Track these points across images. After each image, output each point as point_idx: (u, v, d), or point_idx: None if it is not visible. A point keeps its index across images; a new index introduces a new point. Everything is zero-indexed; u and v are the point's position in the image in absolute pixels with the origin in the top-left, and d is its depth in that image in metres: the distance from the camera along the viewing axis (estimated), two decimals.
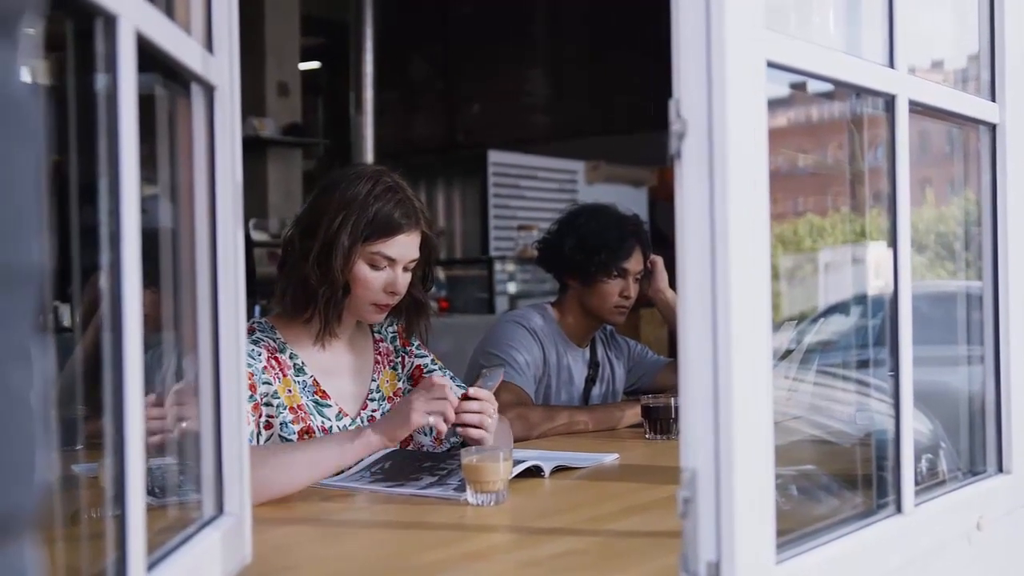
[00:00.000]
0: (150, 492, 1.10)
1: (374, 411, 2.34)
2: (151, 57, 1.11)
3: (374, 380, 2.38)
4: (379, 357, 2.41)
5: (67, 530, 1.17)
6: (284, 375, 2.22)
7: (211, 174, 1.36)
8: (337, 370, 2.32)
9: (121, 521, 1.00)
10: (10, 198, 0.55)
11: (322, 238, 2.19)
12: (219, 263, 1.36)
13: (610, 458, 2.37)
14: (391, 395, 2.39)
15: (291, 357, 2.26)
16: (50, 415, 0.60)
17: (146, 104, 1.07)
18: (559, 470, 2.20)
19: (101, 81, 1.01)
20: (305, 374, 2.26)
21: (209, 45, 1.36)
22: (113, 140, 1.00)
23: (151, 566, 1.08)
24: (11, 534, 0.57)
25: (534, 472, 2.13)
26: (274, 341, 2.25)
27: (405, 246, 2.25)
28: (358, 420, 2.30)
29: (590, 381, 3.14)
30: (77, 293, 1.15)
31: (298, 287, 2.24)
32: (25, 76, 0.59)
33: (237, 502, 1.39)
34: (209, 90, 1.35)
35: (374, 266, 2.23)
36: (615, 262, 3.00)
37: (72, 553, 1.14)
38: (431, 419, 2.03)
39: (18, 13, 0.58)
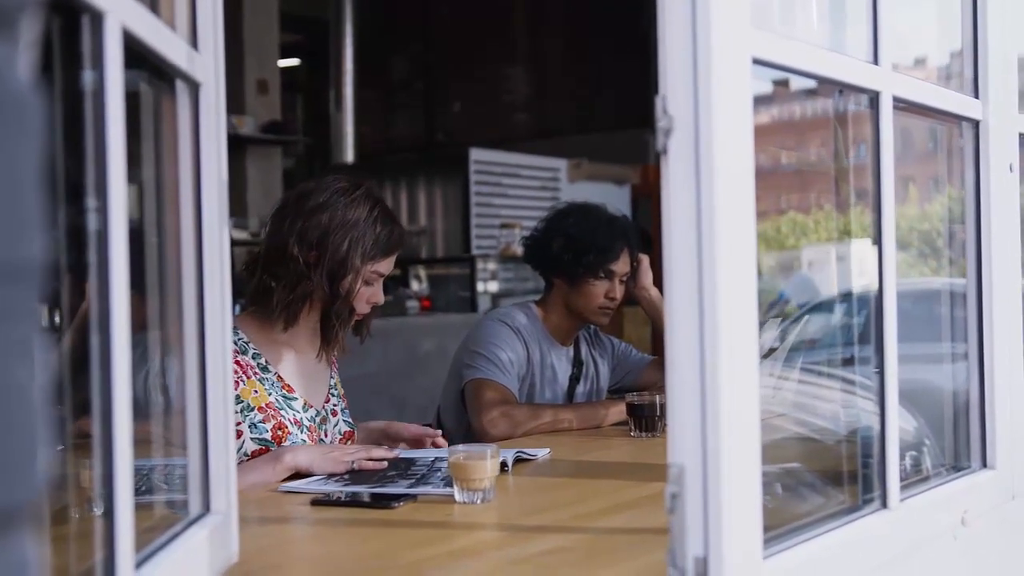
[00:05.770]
0: (136, 491, 1.09)
1: (335, 405, 2.45)
2: (136, 54, 1.11)
3: (332, 377, 2.48)
4: (333, 358, 2.51)
5: (51, 529, 1.16)
6: (248, 376, 2.25)
7: (196, 172, 1.36)
8: (299, 367, 2.38)
9: (109, 520, 1.00)
10: (12, 193, 0.55)
11: (330, 257, 2.25)
12: (205, 261, 1.36)
13: (542, 452, 2.39)
14: (342, 393, 2.51)
15: (254, 357, 2.30)
16: (50, 409, 0.60)
17: (130, 101, 1.06)
18: (517, 462, 2.24)
19: (87, 77, 1.00)
20: (270, 372, 2.31)
21: (194, 42, 1.35)
22: (100, 137, 1.00)
23: (138, 564, 1.08)
24: (15, 527, 0.57)
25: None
26: (235, 343, 2.26)
27: (393, 263, 2.37)
28: (323, 411, 2.39)
29: (574, 379, 3.13)
30: (65, 293, 1.14)
31: (300, 301, 2.28)
32: (25, 73, 0.59)
33: (224, 501, 1.38)
34: (194, 87, 1.35)
35: (368, 283, 2.32)
36: (603, 264, 2.98)
37: (56, 552, 1.14)
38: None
39: (18, 9, 0.58)
